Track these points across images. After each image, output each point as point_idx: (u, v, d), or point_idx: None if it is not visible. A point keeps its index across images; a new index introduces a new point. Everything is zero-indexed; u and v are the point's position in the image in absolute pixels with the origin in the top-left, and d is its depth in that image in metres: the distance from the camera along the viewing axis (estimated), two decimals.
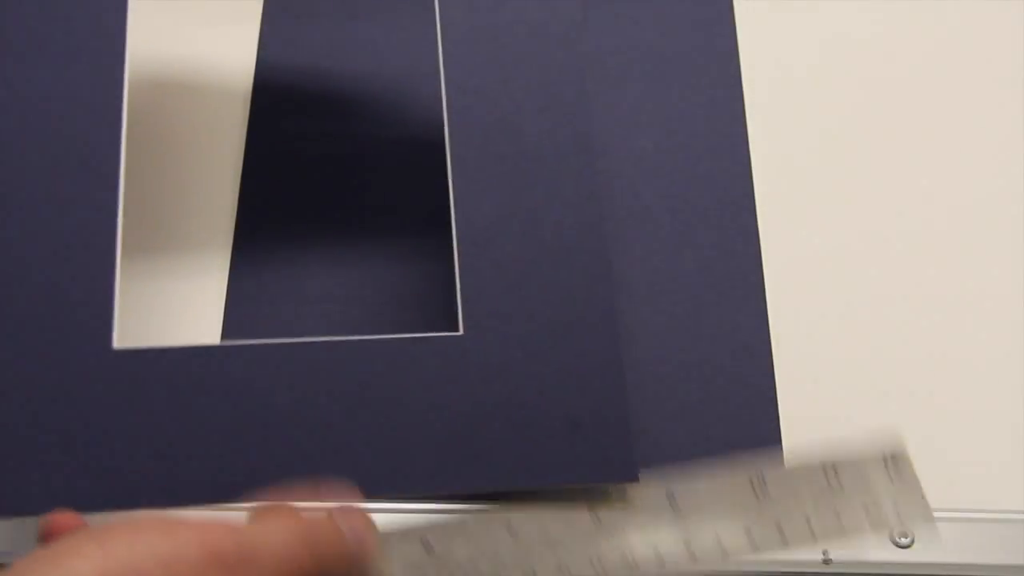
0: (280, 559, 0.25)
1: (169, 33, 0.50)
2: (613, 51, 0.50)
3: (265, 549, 0.25)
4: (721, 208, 0.46)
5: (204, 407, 0.32)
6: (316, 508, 0.27)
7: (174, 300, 0.44)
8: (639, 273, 0.44)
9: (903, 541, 0.35)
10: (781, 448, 0.41)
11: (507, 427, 0.32)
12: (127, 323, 0.34)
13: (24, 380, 0.32)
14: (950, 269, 0.45)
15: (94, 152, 0.34)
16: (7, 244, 0.33)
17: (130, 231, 0.35)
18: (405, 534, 0.29)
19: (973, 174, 0.47)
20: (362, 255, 0.45)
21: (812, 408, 0.42)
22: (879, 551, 0.35)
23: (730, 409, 0.42)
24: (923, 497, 0.32)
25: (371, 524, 0.28)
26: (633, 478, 0.32)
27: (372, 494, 0.30)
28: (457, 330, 0.33)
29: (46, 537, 0.26)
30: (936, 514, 0.32)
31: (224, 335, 0.43)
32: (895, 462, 0.31)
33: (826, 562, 0.35)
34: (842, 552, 0.35)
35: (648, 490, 0.31)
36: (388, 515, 0.32)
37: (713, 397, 0.42)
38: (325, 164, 0.48)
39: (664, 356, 0.43)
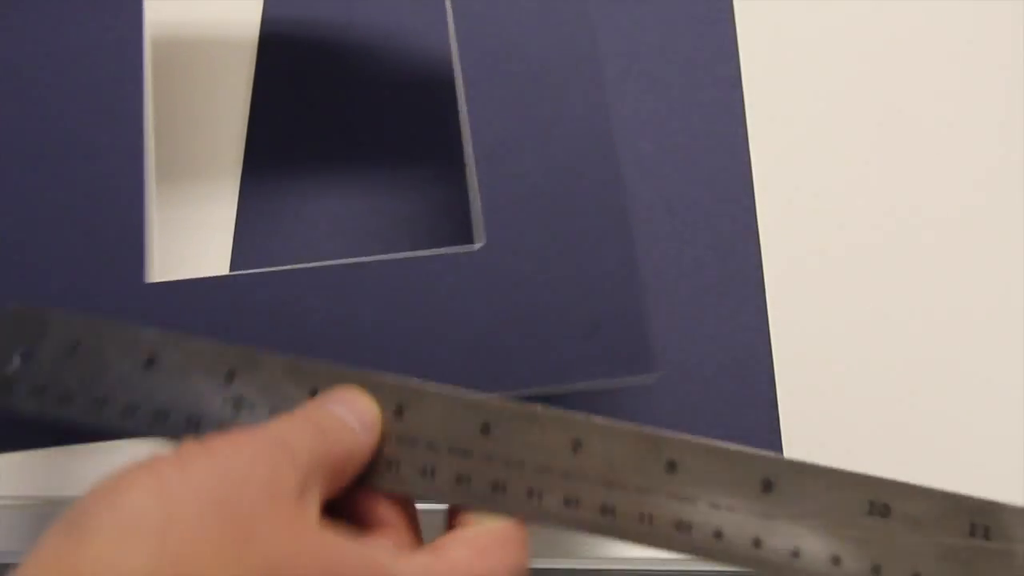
0: (308, 450, 0.25)
1: None
2: (613, 51, 0.50)
3: (295, 442, 0.25)
4: (721, 208, 0.46)
5: (238, 335, 0.32)
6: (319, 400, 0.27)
7: (181, 230, 0.46)
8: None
9: None
10: (781, 448, 0.41)
11: (530, 333, 0.33)
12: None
13: None
14: (952, 268, 0.45)
15: (120, 92, 0.35)
16: (39, 187, 0.34)
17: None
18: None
19: (975, 174, 0.48)
20: (371, 183, 0.47)
21: (812, 408, 0.42)
22: None
23: (730, 409, 0.42)
24: None
25: (374, 408, 0.28)
26: (651, 370, 0.32)
27: None
28: (473, 246, 0.34)
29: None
30: None
31: (233, 264, 0.45)
32: None
33: None
34: None
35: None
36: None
37: (713, 397, 0.42)
38: (331, 97, 0.49)
39: (664, 356, 0.43)
